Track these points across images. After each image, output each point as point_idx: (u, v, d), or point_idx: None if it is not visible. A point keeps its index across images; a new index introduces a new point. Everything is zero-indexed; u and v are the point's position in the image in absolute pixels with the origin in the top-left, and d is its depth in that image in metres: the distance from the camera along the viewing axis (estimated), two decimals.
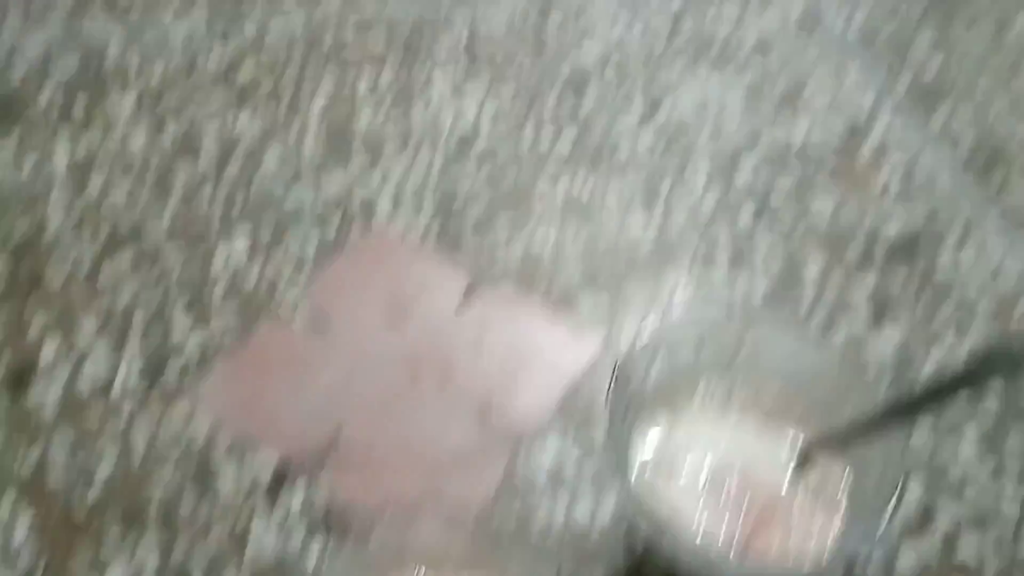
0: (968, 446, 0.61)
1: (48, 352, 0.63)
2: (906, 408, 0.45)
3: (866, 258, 0.71)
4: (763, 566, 0.46)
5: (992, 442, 0.61)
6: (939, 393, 0.44)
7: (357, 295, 0.68)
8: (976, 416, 0.62)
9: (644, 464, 0.50)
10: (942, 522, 0.57)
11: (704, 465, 0.50)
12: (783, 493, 0.49)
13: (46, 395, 0.61)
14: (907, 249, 0.72)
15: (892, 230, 0.73)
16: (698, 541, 0.45)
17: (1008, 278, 0.70)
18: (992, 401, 0.63)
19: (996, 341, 0.42)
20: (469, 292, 0.68)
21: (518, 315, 0.67)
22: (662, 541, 0.45)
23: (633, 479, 0.46)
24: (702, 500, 0.49)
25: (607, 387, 0.48)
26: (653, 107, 0.82)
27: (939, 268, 0.71)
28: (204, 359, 0.64)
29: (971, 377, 0.42)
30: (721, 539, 0.47)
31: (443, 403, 0.62)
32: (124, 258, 0.69)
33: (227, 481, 0.57)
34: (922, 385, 0.44)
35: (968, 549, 0.56)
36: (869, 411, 0.47)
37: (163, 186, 0.74)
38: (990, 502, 0.58)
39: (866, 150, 0.80)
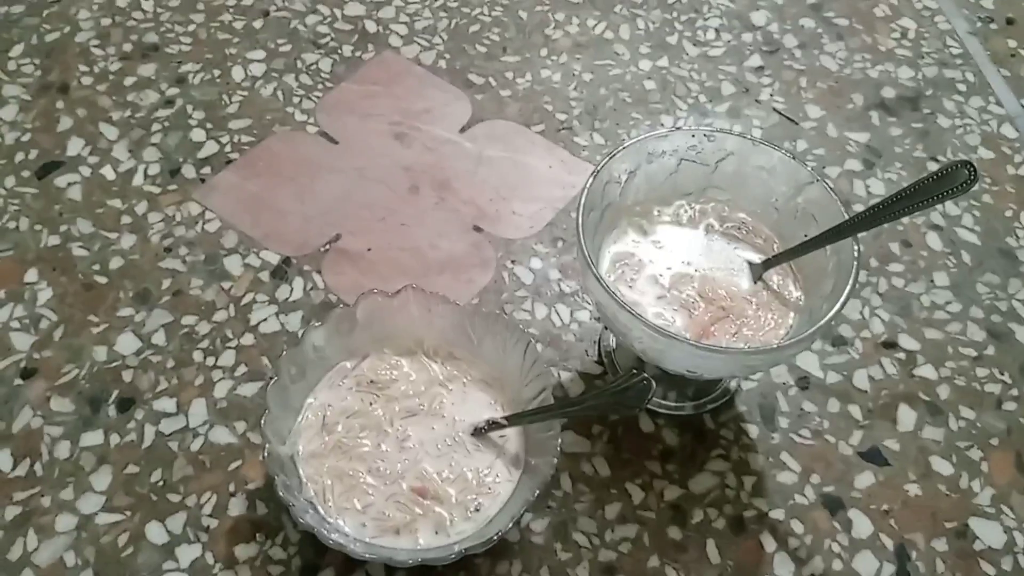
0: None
1: (73, 148, 0.67)
2: (849, 227, 0.48)
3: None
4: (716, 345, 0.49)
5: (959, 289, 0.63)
6: (884, 211, 0.47)
7: (367, 112, 0.71)
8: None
9: (614, 263, 0.53)
10: (905, 344, 0.60)
11: (668, 269, 0.53)
12: (738, 299, 0.52)
13: (70, 185, 0.65)
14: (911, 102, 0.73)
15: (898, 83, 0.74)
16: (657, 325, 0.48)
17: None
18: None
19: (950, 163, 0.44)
20: (473, 119, 0.71)
21: (518, 143, 0.70)
22: (630, 334, 0.48)
23: (601, 272, 0.48)
24: (663, 297, 0.52)
25: (582, 191, 0.50)
26: None
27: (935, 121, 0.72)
28: (218, 164, 0.67)
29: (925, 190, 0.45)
30: (678, 328, 0.51)
31: (439, 215, 0.65)
32: (147, 68, 0.72)
33: (234, 268, 0.62)
34: (871, 207, 0.47)
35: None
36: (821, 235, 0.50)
37: (188, 3, 0.77)
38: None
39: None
